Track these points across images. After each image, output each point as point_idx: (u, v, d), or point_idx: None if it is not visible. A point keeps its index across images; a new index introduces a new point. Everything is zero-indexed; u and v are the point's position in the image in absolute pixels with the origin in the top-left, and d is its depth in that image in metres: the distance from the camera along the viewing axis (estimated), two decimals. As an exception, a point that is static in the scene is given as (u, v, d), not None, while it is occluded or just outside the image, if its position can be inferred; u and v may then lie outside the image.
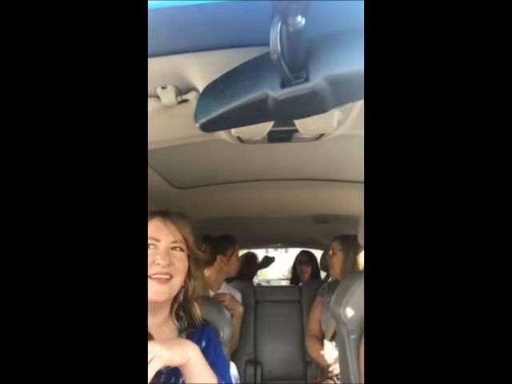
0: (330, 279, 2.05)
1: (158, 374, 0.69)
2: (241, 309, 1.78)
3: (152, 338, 0.71)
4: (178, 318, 0.81)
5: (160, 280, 0.73)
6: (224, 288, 1.78)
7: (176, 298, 0.81)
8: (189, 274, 0.80)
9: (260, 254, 3.02)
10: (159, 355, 0.60)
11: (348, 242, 1.67)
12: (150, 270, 0.72)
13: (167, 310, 0.80)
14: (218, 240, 1.80)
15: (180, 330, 0.80)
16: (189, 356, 0.65)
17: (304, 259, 2.56)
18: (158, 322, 0.77)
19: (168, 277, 0.74)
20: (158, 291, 0.72)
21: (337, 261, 1.70)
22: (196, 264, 0.82)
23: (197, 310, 0.81)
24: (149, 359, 0.58)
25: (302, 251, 2.65)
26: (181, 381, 0.73)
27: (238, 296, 1.84)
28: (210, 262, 1.74)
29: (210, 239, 1.80)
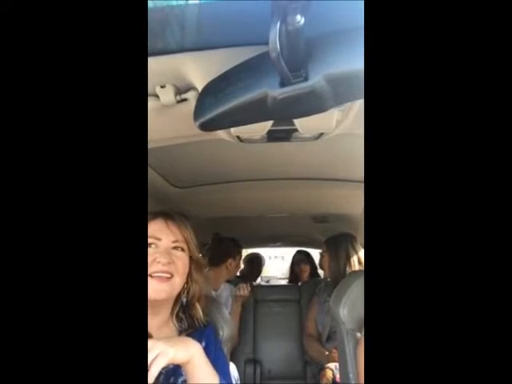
0: (328, 279, 2.06)
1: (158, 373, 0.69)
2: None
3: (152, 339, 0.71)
4: (179, 319, 0.81)
5: (160, 278, 0.73)
6: (223, 287, 1.78)
7: (178, 299, 0.80)
8: (190, 276, 0.80)
9: (260, 253, 3.03)
10: (163, 353, 0.59)
11: (333, 243, 1.68)
12: (151, 269, 0.72)
13: (168, 311, 0.80)
14: (227, 242, 1.80)
15: (180, 331, 0.80)
16: (191, 353, 0.65)
17: (302, 258, 2.57)
18: (158, 322, 0.77)
19: (169, 275, 0.74)
20: (158, 289, 0.72)
21: (325, 262, 1.75)
22: (197, 266, 0.82)
23: (199, 312, 0.81)
24: (153, 357, 0.58)
25: (299, 251, 2.65)
26: (180, 380, 0.73)
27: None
28: (217, 264, 1.74)
29: (217, 240, 1.80)
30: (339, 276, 1.55)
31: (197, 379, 0.65)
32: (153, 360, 0.57)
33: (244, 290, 1.78)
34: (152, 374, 0.56)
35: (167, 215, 0.80)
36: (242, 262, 1.93)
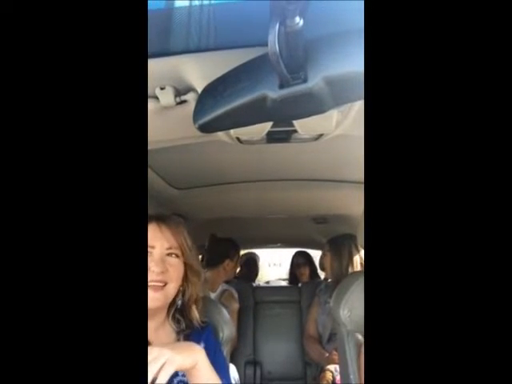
0: (329, 280, 2.06)
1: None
2: (236, 306, 1.79)
3: (150, 342, 0.71)
4: (175, 320, 0.81)
5: (154, 287, 0.73)
6: (221, 288, 1.78)
7: (173, 302, 0.81)
8: (186, 279, 0.81)
9: (263, 252, 3.04)
10: (170, 360, 0.59)
11: (335, 244, 1.69)
12: None
13: (163, 313, 0.80)
14: (224, 243, 1.80)
15: (178, 332, 0.80)
16: (197, 359, 0.65)
17: (301, 260, 2.56)
18: (154, 325, 0.78)
19: (162, 284, 0.74)
20: (152, 298, 0.72)
21: (326, 262, 1.75)
22: (193, 269, 0.82)
23: (195, 314, 0.81)
24: (160, 365, 0.58)
25: (298, 252, 2.64)
26: (175, 381, 0.73)
27: (235, 294, 1.84)
28: (215, 265, 1.73)
29: (215, 241, 1.80)
30: (341, 276, 1.54)
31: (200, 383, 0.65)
32: (160, 368, 0.57)
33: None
34: (160, 383, 0.56)
35: (160, 219, 0.80)
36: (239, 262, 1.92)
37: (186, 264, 0.80)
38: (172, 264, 0.77)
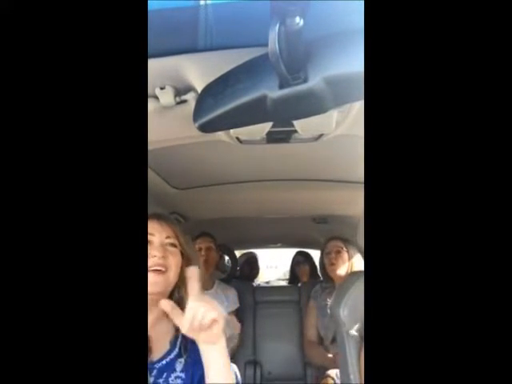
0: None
1: (150, 369, 0.72)
2: (236, 307, 1.78)
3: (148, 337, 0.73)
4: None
5: (156, 271, 0.75)
6: (216, 287, 1.73)
7: (171, 296, 0.81)
8: (181, 273, 0.82)
9: (260, 254, 3.03)
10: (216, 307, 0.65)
11: (349, 244, 1.66)
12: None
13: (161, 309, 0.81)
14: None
15: (176, 329, 0.80)
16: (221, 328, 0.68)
17: (301, 260, 2.56)
18: (152, 319, 0.78)
19: (163, 269, 0.76)
20: (154, 282, 0.74)
21: (341, 258, 1.68)
22: (188, 262, 0.84)
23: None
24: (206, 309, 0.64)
25: (298, 252, 2.64)
26: (173, 376, 0.74)
27: (234, 295, 1.80)
28: None
29: None
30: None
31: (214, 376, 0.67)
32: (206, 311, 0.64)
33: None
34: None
35: (158, 216, 0.84)
36: (214, 252, 1.83)
37: (182, 255, 0.82)
38: (171, 252, 0.79)
